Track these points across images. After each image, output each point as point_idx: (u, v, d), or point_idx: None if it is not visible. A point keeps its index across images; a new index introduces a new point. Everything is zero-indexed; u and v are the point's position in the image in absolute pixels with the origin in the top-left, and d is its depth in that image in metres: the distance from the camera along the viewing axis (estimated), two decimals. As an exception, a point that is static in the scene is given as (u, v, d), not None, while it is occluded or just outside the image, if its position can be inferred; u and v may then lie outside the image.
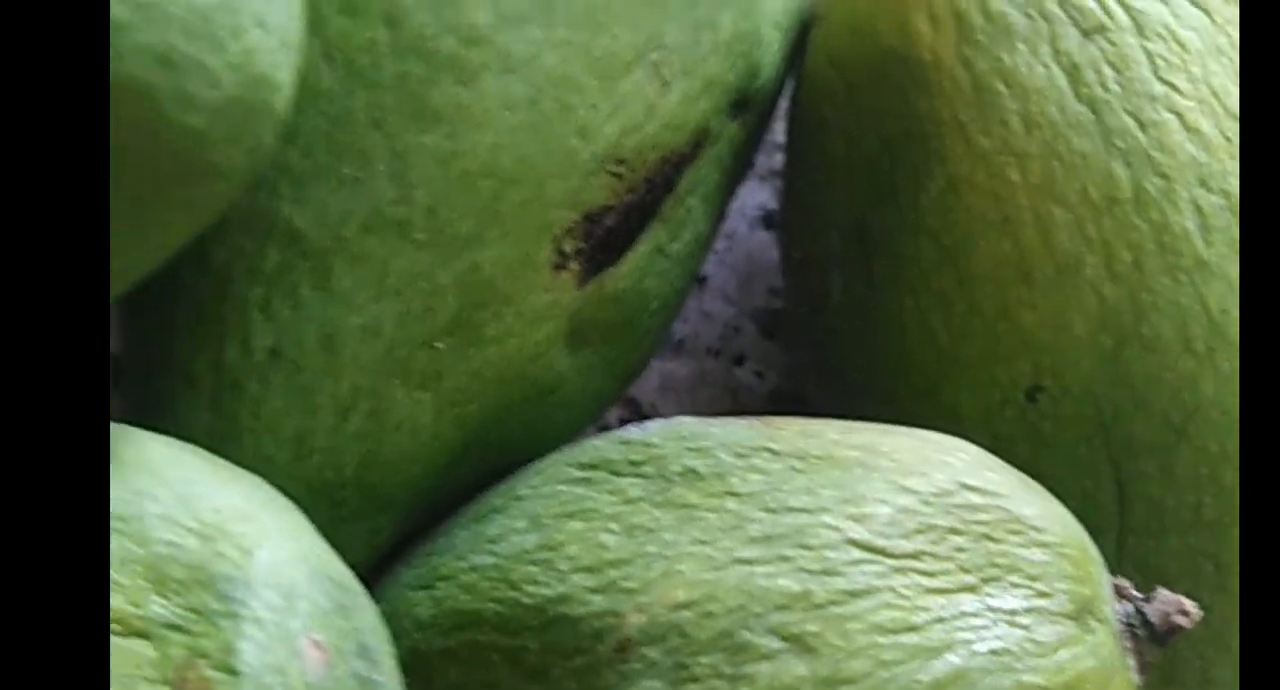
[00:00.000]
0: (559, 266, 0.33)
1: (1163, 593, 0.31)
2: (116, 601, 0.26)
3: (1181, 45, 0.33)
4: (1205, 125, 0.33)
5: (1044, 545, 0.30)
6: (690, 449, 0.32)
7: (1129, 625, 0.31)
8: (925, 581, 0.29)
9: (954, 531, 0.30)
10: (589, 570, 0.30)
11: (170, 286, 0.31)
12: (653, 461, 0.32)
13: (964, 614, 0.29)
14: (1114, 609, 0.31)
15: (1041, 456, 0.34)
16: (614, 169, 0.33)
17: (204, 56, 0.24)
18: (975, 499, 0.30)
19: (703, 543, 0.30)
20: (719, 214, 0.37)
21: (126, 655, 0.25)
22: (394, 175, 0.31)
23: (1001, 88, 0.34)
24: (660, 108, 0.33)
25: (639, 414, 0.41)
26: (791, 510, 0.30)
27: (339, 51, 0.31)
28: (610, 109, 0.32)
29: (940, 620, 0.29)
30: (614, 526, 0.31)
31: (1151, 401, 0.33)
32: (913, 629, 0.29)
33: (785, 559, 0.30)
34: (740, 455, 0.31)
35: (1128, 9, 0.34)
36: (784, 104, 0.38)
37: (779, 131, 0.42)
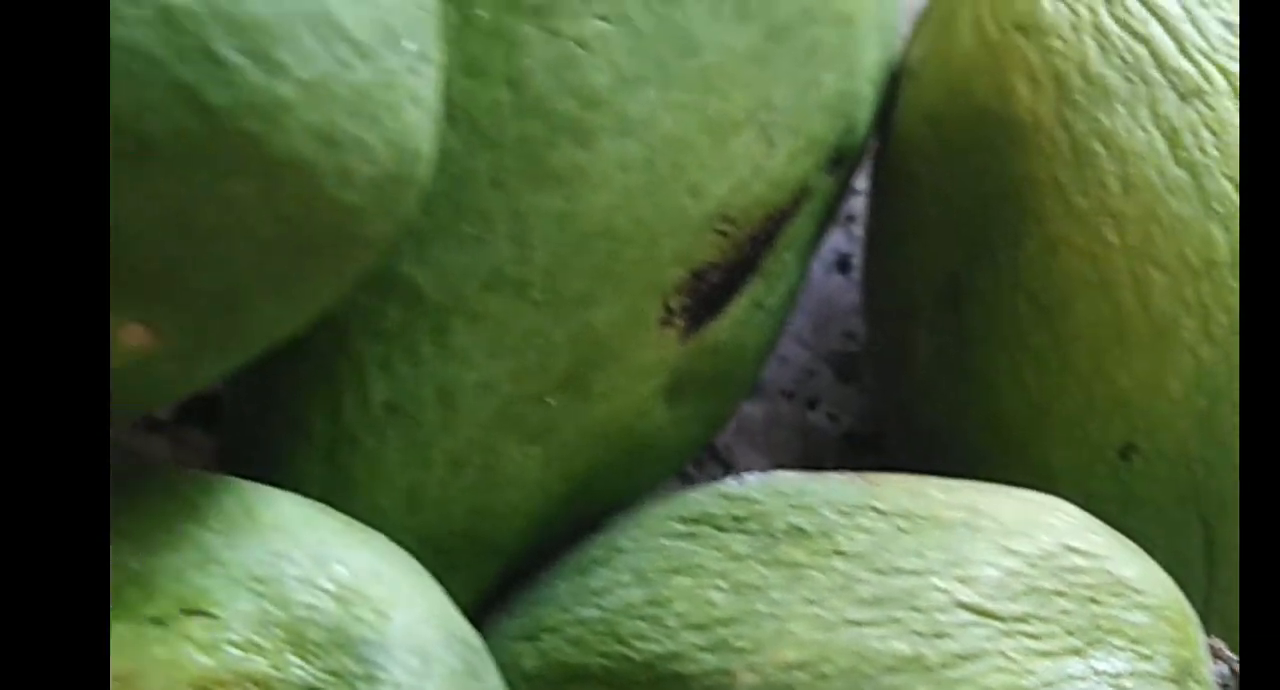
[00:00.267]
0: (666, 322, 0.33)
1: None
2: (259, 664, 0.26)
3: (1278, 112, 0.34)
4: (1302, 192, 0.34)
5: (1145, 608, 0.31)
6: (794, 506, 0.32)
7: (1224, 686, 0.32)
8: (1033, 644, 0.30)
9: (1059, 594, 0.31)
10: (698, 627, 0.31)
11: (289, 340, 0.31)
12: (756, 518, 0.32)
13: (1070, 677, 0.30)
14: (1210, 670, 0.32)
15: (1131, 514, 0.35)
16: (721, 227, 0.33)
17: (364, 134, 0.25)
18: (1079, 561, 0.31)
19: (812, 602, 0.31)
20: (809, 264, 0.37)
21: (271, 718, 0.26)
22: (513, 235, 0.32)
23: (1100, 149, 0.35)
24: (766, 167, 0.34)
25: (714, 457, 0.42)
26: (900, 571, 0.31)
27: (462, 112, 0.31)
28: (720, 169, 0.33)
29: (1048, 684, 0.30)
30: (722, 583, 0.32)
31: (1244, 462, 0.34)
32: (1023, 693, 0.30)
33: (896, 621, 0.30)
34: (845, 513, 0.32)
35: (1225, 73, 0.35)
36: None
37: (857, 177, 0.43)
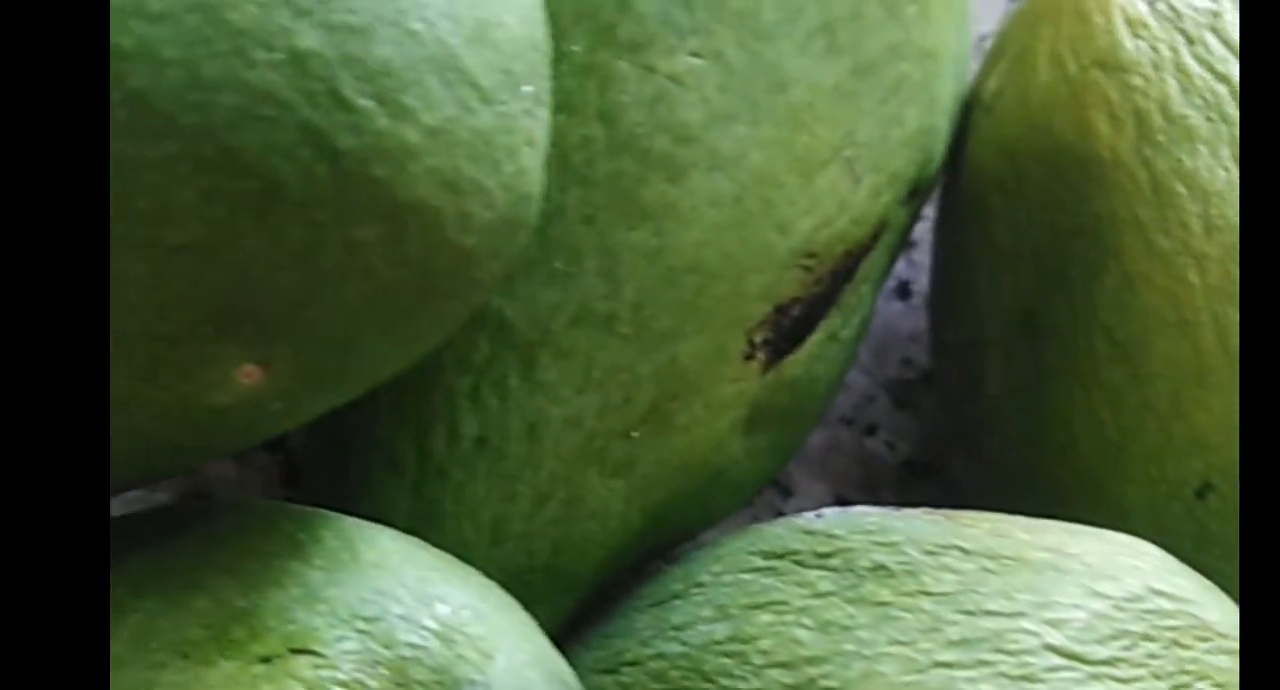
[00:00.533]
0: (748, 357, 0.34)
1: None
2: (365, 703, 0.27)
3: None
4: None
5: (1229, 652, 0.31)
6: (878, 543, 0.33)
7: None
8: (1120, 688, 0.31)
9: (1146, 638, 0.31)
10: (784, 666, 0.31)
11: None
12: (839, 555, 0.33)
13: (1157, 721, 0.30)
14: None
15: (1205, 553, 0.35)
16: (805, 262, 0.34)
17: (484, 178, 0.25)
18: (1165, 605, 0.31)
19: (901, 643, 0.31)
20: (879, 295, 0.38)
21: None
22: (603, 271, 0.32)
23: (1181, 189, 0.35)
24: (850, 202, 0.34)
25: (774, 484, 0.42)
26: (988, 613, 0.31)
27: (554, 148, 0.32)
28: (807, 205, 0.33)
29: (1137, 728, 0.30)
30: (807, 621, 0.32)
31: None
32: (1113, 737, 0.30)
33: (986, 664, 0.31)
34: (930, 553, 0.32)
35: (1306, 113, 0.35)
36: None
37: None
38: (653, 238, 0.32)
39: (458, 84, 0.25)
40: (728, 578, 0.33)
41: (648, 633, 0.33)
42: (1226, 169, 0.35)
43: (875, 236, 0.35)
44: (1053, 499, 0.36)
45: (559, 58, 0.32)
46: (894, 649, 0.31)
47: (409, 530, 0.32)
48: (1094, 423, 0.36)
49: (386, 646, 0.27)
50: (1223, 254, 0.35)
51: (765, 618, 0.32)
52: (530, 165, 0.26)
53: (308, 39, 0.24)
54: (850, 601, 0.32)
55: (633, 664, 0.33)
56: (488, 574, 0.32)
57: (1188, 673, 0.31)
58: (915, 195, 0.36)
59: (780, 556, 0.33)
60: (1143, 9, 0.36)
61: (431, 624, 0.27)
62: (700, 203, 0.32)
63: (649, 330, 0.32)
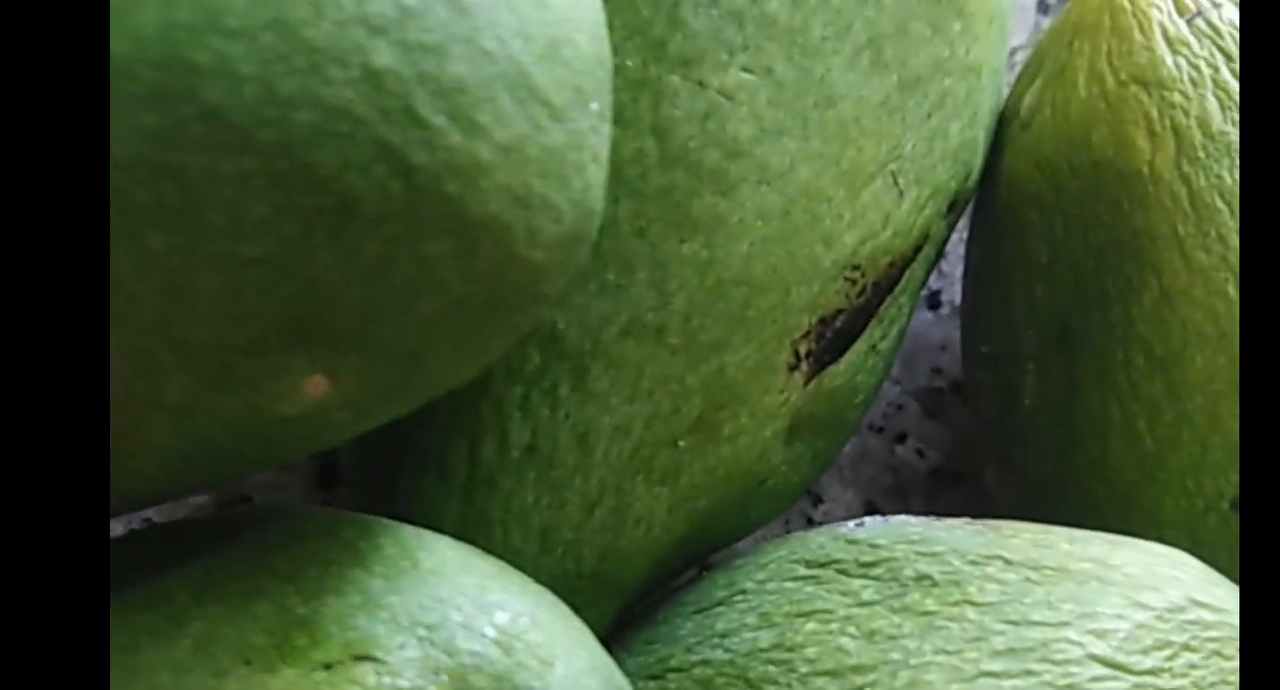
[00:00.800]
0: (793, 368, 0.34)
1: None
2: (427, 710, 0.27)
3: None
4: None
5: (1268, 663, 0.32)
6: (921, 553, 0.33)
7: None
8: (1163, 698, 0.31)
9: (1188, 648, 0.31)
10: (830, 674, 0.32)
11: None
12: (883, 564, 0.33)
13: (1199, 731, 0.31)
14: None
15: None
16: (850, 275, 0.34)
17: (552, 194, 0.26)
18: (1206, 616, 0.32)
19: (947, 653, 0.31)
20: (915, 305, 0.38)
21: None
22: (654, 282, 0.32)
23: (1220, 205, 0.35)
24: (894, 216, 0.34)
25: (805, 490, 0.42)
26: (1033, 623, 0.32)
27: (609, 161, 0.32)
28: (852, 218, 0.34)
29: (1179, 737, 0.31)
30: (852, 630, 0.32)
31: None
32: (1157, 747, 0.30)
33: (1031, 673, 0.31)
34: (974, 563, 0.33)
35: (1343, 132, 0.35)
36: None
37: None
38: (703, 250, 0.33)
39: (529, 101, 0.25)
40: (771, 585, 0.34)
41: (692, 639, 0.34)
42: (1265, 185, 0.35)
43: (917, 249, 0.36)
44: (1087, 511, 0.37)
45: (614, 71, 0.32)
46: (940, 658, 0.31)
47: (458, 537, 0.32)
48: (1130, 436, 0.36)
49: (447, 654, 0.27)
50: (1261, 270, 0.35)
51: (810, 626, 0.33)
52: (595, 181, 0.27)
53: (383, 56, 0.24)
54: (895, 611, 0.32)
55: (678, 670, 0.33)
56: (536, 580, 0.32)
57: (1229, 683, 0.31)
58: (954, 208, 0.37)
59: (823, 565, 0.34)
60: (1182, 27, 0.37)
61: (491, 632, 0.28)
62: (749, 216, 0.33)
63: (698, 341, 0.33)
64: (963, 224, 0.41)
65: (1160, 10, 0.37)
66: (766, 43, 0.33)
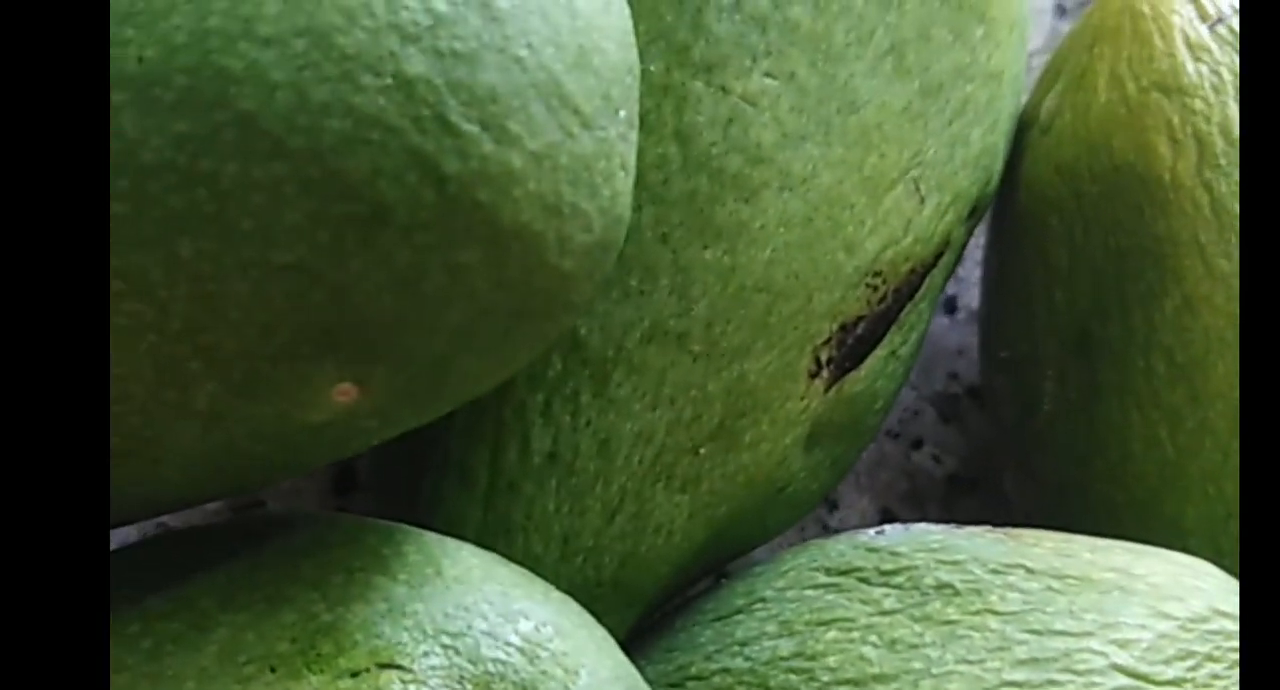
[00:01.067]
0: (814, 374, 0.34)
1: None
2: (453, 719, 0.27)
3: None
4: None
5: (1291, 672, 0.32)
6: (943, 562, 0.33)
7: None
8: (1186, 708, 0.31)
9: (1211, 658, 0.32)
10: (852, 683, 0.32)
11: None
12: (904, 572, 0.33)
13: (1221, 741, 0.31)
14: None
15: (1261, 572, 0.36)
16: (871, 281, 0.34)
17: (582, 202, 0.26)
18: (1229, 626, 0.32)
19: (969, 662, 0.32)
20: (934, 311, 0.38)
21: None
22: (676, 289, 0.33)
23: (1242, 212, 0.36)
24: (916, 222, 0.35)
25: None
26: (1055, 633, 0.32)
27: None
28: (874, 225, 0.34)
29: (1201, 747, 0.31)
30: (874, 638, 0.33)
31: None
32: (1178, 756, 0.31)
33: (1054, 683, 0.31)
34: (996, 572, 0.33)
35: (1366, 139, 0.36)
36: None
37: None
38: (725, 257, 0.33)
39: (560, 110, 0.26)
40: (791, 593, 0.34)
41: (711, 647, 0.34)
42: (1287, 192, 0.36)
43: (938, 255, 0.36)
44: (1107, 518, 0.37)
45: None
46: (962, 667, 0.32)
47: (479, 544, 0.33)
48: (1151, 442, 0.36)
49: (472, 662, 0.28)
50: (1283, 277, 0.35)
51: (831, 634, 0.33)
52: (623, 189, 0.27)
53: (416, 65, 0.25)
54: (916, 619, 0.33)
55: (697, 678, 0.34)
56: (556, 587, 0.32)
57: (1251, 693, 0.32)
58: (975, 214, 0.37)
59: (844, 573, 0.34)
60: (1203, 32, 0.37)
61: (515, 640, 0.28)
62: (771, 222, 0.33)
63: (719, 348, 0.33)
64: (980, 228, 0.41)
65: (1181, 16, 0.37)
66: (789, 48, 0.33)
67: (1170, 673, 0.31)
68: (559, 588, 0.32)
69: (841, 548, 0.35)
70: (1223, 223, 0.36)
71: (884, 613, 0.33)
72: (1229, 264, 0.36)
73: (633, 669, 0.29)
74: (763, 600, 0.34)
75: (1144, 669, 0.31)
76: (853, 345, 0.35)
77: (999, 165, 0.37)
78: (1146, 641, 0.32)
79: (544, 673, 0.28)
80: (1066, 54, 0.39)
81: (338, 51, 0.24)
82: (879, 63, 0.34)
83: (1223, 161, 0.36)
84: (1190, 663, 0.32)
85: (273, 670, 0.27)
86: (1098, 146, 0.37)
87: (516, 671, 0.28)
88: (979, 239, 0.42)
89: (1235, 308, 0.36)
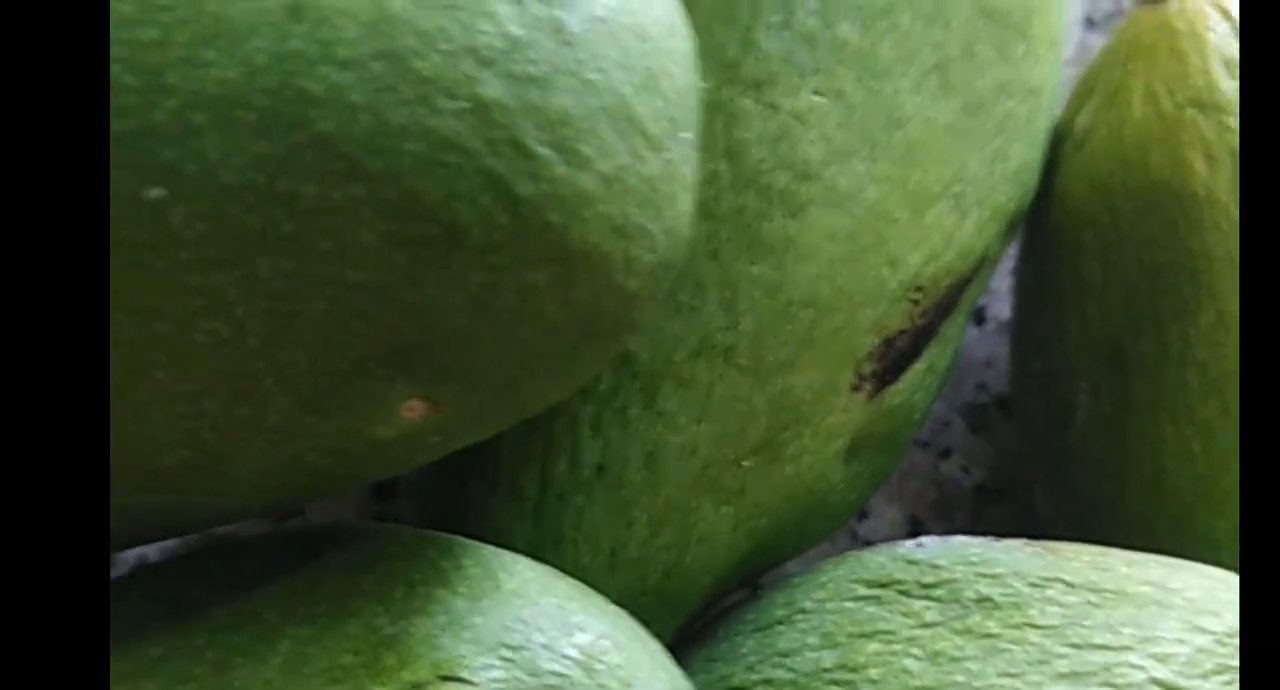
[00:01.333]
0: (856, 388, 0.35)
1: None
2: (512, 731, 0.28)
3: None
4: None
5: (1327, 685, 0.33)
6: (982, 575, 0.34)
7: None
8: (1224, 721, 0.32)
9: (1248, 671, 0.33)
10: (895, 694, 0.33)
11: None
12: (944, 585, 0.34)
13: (1259, 753, 0.32)
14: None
15: (1293, 585, 0.37)
16: (913, 296, 0.35)
17: (649, 224, 0.27)
18: (1265, 639, 0.33)
19: (1011, 675, 0.33)
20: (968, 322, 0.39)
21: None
22: (724, 303, 0.33)
23: (1277, 230, 0.37)
24: (957, 237, 0.36)
25: (851, 504, 0.43)
26: (1095, 647, 0.33)
27: (685, 184, 0.33)
28: (917, 240, 0.35)
29: (1240, 760, 0.32)
30: (916, 651, 0.33)
31: None
32: (1219, 770, 0.32)
33: (1095, 695, 0.32)
34: (1035, 585, 0.34)
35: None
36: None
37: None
38: (773, 272, 0.34)
39: (630, 133, 0.26)
40: (831, 605, 0.35)
41: (753, 658, 0.35)
42: (1322, 211, 0.37)
43: (976, 269, 0.37)
44: (1139, 531, 0.38)
45: (690, 96, 0.33)
46: (1004, 681, 0.33)
47: (528, 555, 0.34)
48: (1185, 456, 0.37)
49: (531, 675, 0.28)
50: (1318, 294, 0.36)
51: (873, 646, 0.34)
52: (686, 209, 0.28)
53: (491, 88, 0.25)
54: (958, 632, 0.33)
55: (740, 689, 0.34)
56: (602, 598, 0.33)
57: (1288, 707, 0.32)
58: (1012, 228, 0.38)
59: (884, 585, 0.35)
60: (1238, 49, 0.38)
61: (573, 653, 0.29)
62: (818, 238, 0.34)
63: (766, 362, 0.34)
64: (1019, 243, 0.42)
65: (1216, 33, 0.38)
66: (837, 66, 0.34)
67: (1207, 687, 0.32)
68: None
69: (880, 560, 0.35)
70: (1258, 240, 0.37)
71: (925, 625, 0.34)
72: (1264, 281, 0.36)
73: (686, 682, 0.30)
74: (803, 611, 0.35)
75: (1183, 683, 0.32)
76: (895, 359, 0.36)
77: (1035, 179, 0.38)
78: (1184, 656, 0.33)
79: (601, 686, 0.29)
80: (1100, 70, 0.40)
81: (415, 75, 0.25)
82: (924, 80, 0.35)
83: (1258, 179, 0.37)
84: (1227, 677, 0.32)
85: (337, 682, 0.28)
86: (1132, 162, 0.38)
87: (574, 684, 0.28)
88: (1009, 250, 0.43)
89: (1270, 324, 0.36)
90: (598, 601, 0.30)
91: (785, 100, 0.33)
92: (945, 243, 0.35)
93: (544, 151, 0.26)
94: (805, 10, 0.34)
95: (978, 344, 0.45)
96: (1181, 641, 0.33)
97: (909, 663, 0.33)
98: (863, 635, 0.34)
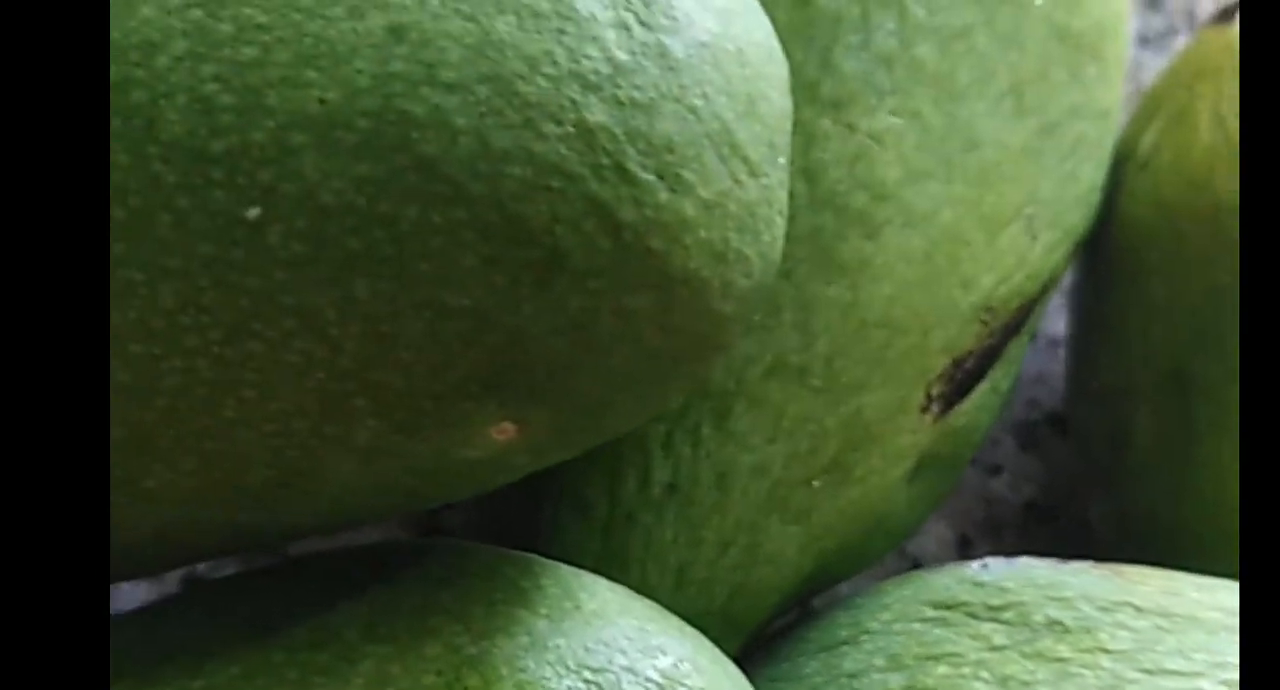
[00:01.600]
0: (924, 408, 0.35)
1: None
2: (591, 754, 0.28)
3: None
4: None
5: (1395, 715, 0.33)
6: (1051, 598, 0.34)
7: None
8: (1295, 749, 0.32)
9: (1318, 700, 0.33)
10: (964, 718, 0.33)
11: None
12: (1012, 608, 0.34)
13: (1329, 782, 0.32)
14: None
15: (1354, 612, 0.37)
16: (984, 317, 0.35)
17: (746, 249, 0.27)
18: (1335, 668, 0.33)
19: (1083, 700, 0.33)
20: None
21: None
22: (798, 324, 0.34)
23: (1346, 256, 0.37)
24: (1028, 259, 0.36)
25: (901, 520, 0.44)
26: (1167, 672, 0.33)
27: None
28: (989, 261, 0.35)
29: (1311, 788, 0.32)
30: (985, 674, 0.34)
31: None
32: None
33: (1168, 723, 0.32)
34: (1104, 609, 0.34)
35: None
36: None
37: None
38: (847, 292, 0.34)
39: (731, 158, 0.27)
40: (898, 627, 0.35)
41: (818, 679, 0.35)
42: (1392, 237, 0.37)
43: (1044, 290, 0.37)
44: (1198, 553, 0.38)
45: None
46: (1076, 705, 0.33)
47: (596, 573, 0.34)
48: (1247, 480, 0.38)
49: (612, 697, 0.29)
50: (1387, 321, 0.36)
51: (941, 669, 0.34)
52: (780, 233, 0.28)
53: (596, 114, 0.26)
54: (1027, 656, 0.34)
55: (805, 709, 0.35)
56: (669, 618, 0.33)
57: (1358, 736, 0.33)
58: (1078, 249, 0.38)
59: (950, 607, 0.35)
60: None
61: (655, 676, 0.29)
62: (893, 259, 0.34)
63: (838, 382, 0.34)
64: (1078, 262, 0.42)
65: (1284, 56, 0.38)
66: (915, 87, 0.34)
67: (1281, 714, 0.32)
68: (672, 617, 0.33)
69: (946, 581, 0.36)
70: (1327, 265, 0.37)
71: (994, 648, 0.34)
72: (1333, 306, 0.37)
73: (763, 704, 0.30)
74: (868, 632, 0.35)
75: (1254, 710, 0.32)
76: (962, 380, 0.36)
77: (1100, 199, 0.38)
78: (1257, 683, 0.33)
79: (683, 708, 0.29)
80: (1165, 90, 0.40)
81: (520, 99, 0.25)
82: (999, 102, 0.35)
83: (1328, 204, 0.37)
84: (1299, 704, 0.33)
85: (419, 702, 0.28)
86: (1199, 185, 0.38)
87: (657, 706, 0.29)
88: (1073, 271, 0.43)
89: (1338, 350, 0.37)
90: (676, 624, 0.30)
91: (863, 121, 0.34)
92: (1017, 264, 0.36)
93: (648, 177, 0.26)
94: (884, 31, 0.34)
95: (1029, 360, 0.46)
96: (1252, 669, 0.33)
97: (978, 686, 0.33)
98: (930, 657, 0.34)
